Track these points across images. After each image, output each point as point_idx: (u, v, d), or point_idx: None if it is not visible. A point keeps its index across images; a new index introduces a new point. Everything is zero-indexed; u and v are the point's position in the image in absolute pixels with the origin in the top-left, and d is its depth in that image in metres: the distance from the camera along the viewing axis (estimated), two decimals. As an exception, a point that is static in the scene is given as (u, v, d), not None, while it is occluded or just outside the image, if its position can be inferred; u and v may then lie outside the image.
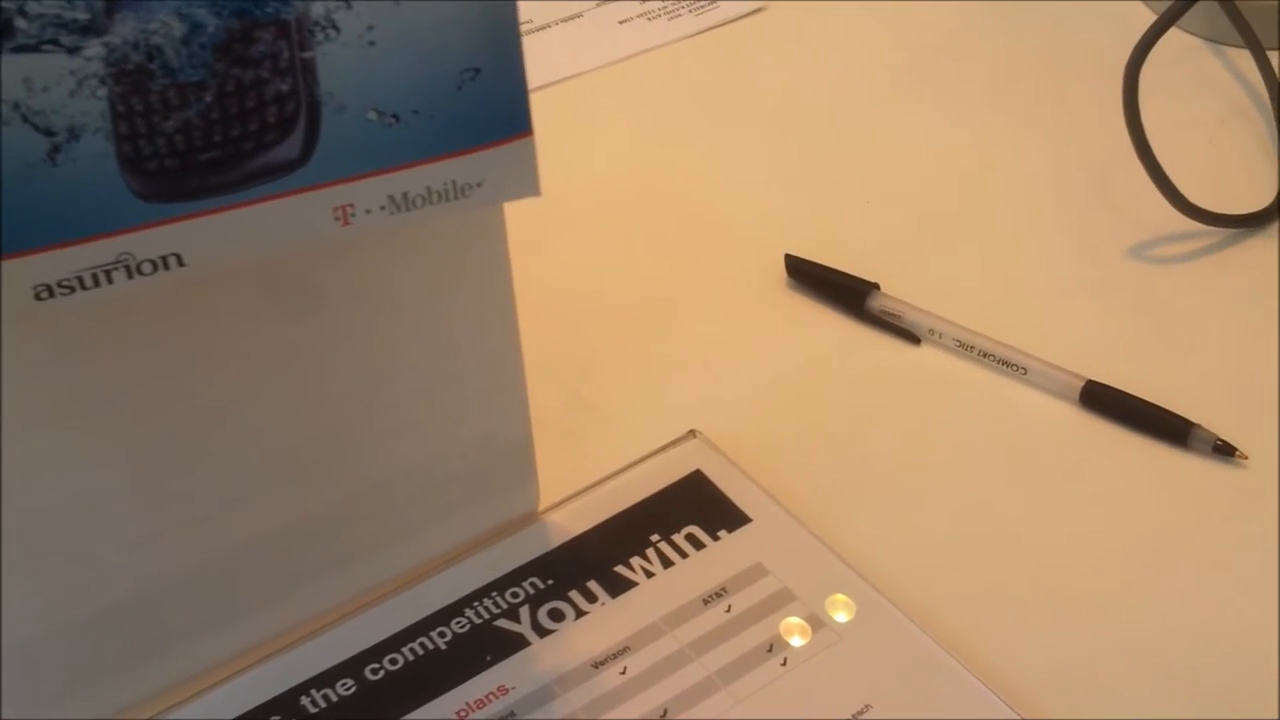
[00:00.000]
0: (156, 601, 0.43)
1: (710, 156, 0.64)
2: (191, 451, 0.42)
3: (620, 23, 0.71)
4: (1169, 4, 0.60)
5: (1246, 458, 0.51)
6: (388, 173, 0.34)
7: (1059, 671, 0.45)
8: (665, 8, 0.71)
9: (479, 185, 0.35)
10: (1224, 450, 0.51)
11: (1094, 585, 0.48)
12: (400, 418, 0.45)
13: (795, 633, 0.46)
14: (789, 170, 0.63)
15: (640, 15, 0.71)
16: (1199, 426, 0.51)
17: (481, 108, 0.34)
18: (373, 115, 0.33)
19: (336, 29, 0.32)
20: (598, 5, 0.72)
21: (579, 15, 0.71)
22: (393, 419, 0.45)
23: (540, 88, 0.68)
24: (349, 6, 0.32)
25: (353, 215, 0.34)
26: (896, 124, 0.65)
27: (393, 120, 0.34)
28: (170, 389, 0.40)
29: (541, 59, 0.69)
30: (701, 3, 0.72)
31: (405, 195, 0.35)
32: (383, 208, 0.34)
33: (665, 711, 0.44)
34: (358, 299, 0.42)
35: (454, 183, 0.35)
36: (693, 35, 0.70)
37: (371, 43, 0.33)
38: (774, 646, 0.45)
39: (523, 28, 0.69)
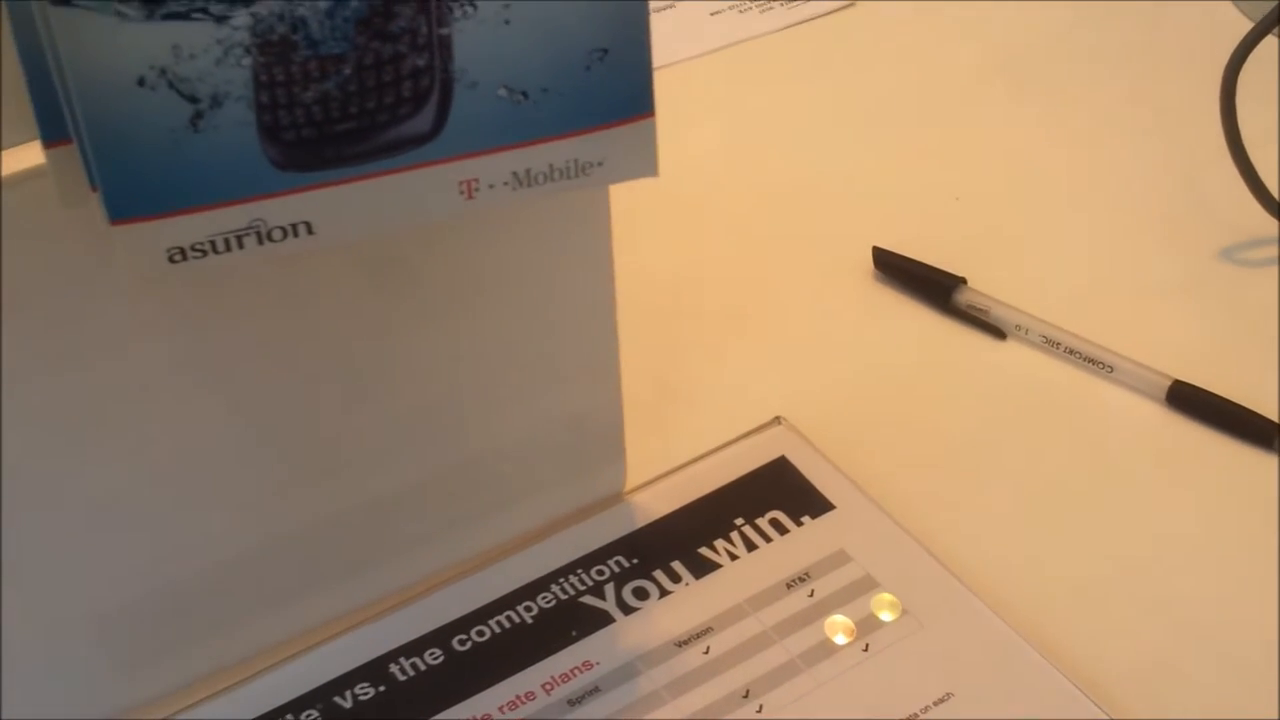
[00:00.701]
0: (255, 565, 0.44)
1: (800, 149, 0.65)
2: (293, 421, 0.43)
3: (712, 14, 0.71)
4: (1260, 3, 0.60)
5: (1332, 464, 0.51)
6: (513, 149, 0.35)
7: (1142, 669, 0.45)
8: (757, 0, 0.72)
9: (599, 164, 0.36)
10: (1310, 456, 0.51)
11: (1177, 584, 0.48)
12: (497, 394, 0.46)
13: (878, 619, 0.46)
14: (878, 164, 0.64)
15: (731, 8, 0.72)
16: (1286, 431, 0.51)
17: (607, 88, 0.35)
18: (503, 92, 0.34)
19: (474, 6, 0.33)
20: (689, -4, 0.72)
21: (671, 6, 0.72)
22: (489, 395, 0.46)
23: (630, 74, 0.68)
24: (485, -15, 0.33)
25: (477, 190, 0.35)
26: (986, 121, 0.66)
27: (522, 98, 0.34)
28: (276, 358, 0.41)
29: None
30: (791, -5, 0.72)
31: (528, 172, 0.35)
32: (506, 183, 0.35)
33: (748, 692, 0.44)
34: (461, 275, 0.43)
35: (576, 161, 0.36)
36: (783, 29, 0.71)
37: (507, 21, 0.33)
38: (856, 631, 0.46)
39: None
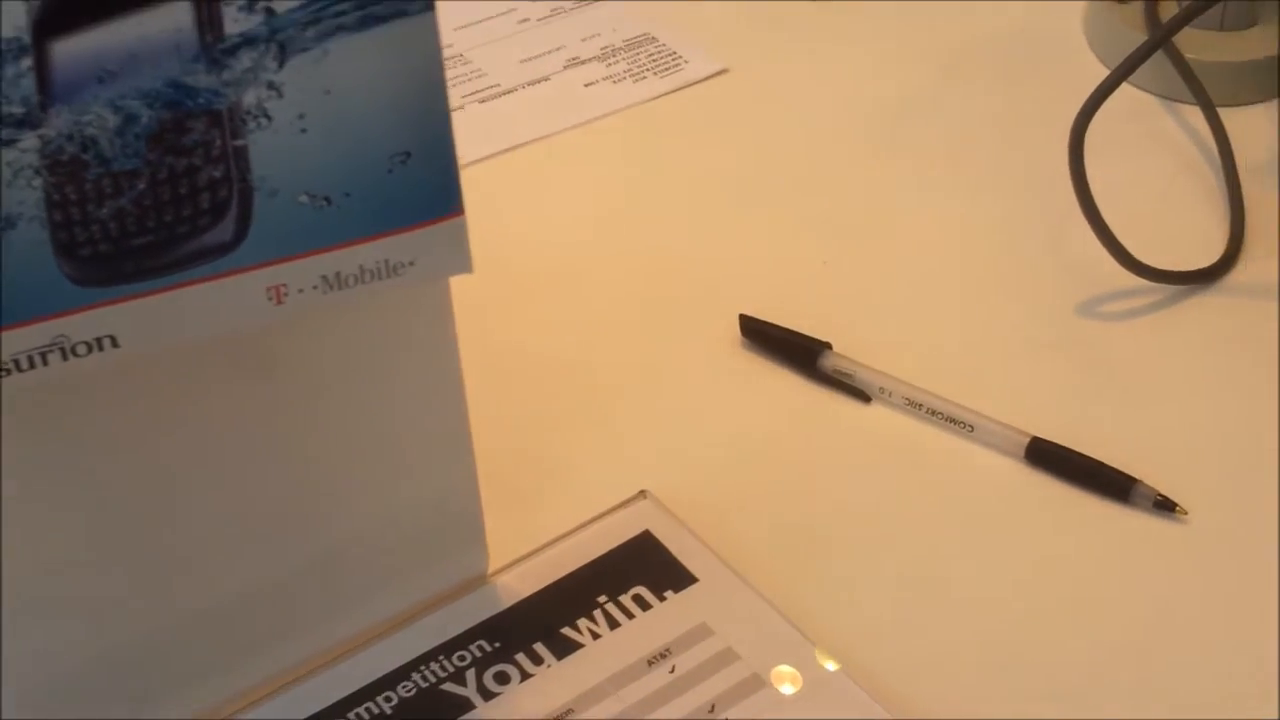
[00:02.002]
0: (104, 670, 0.44)
1: (671, 217, 0.65)
2: (141, 521, 0.42)
3: (586, 85, 0.72)
4: (1116, 51, 0.61)
5: (1187, 513, 0.52)
6: (320, 253, 0.35)
7: (998, 730, 0.46)
8: (631, 70, 0.73)
9: (411, 264, 0.36)
10: (1165, 506, 0.52)
11: (1037, 640, 0.48)
12: (348, 484, 0.46)
13: (739, 693, 0.46)
14: (748, 231, 0.64)
15: (606, 78, 0.72)
16: (1140, 483, 0.52)
17: (413, 189, 0.35)
18: (304, 198, 0.34)
19: (268, 117, 0.33)
20: (564, 69, 0.73)
21: (545, 79, 0.72)
22: (340, 486, 0.46)
23: (506, 150, 0.69)
24: (280, 96, 0.33)
25: (286, 295, 0.35)
26: (854, 185, 0.66)
27: (325, 203, 0.35)
28: (124, 460, 0.41)
29: (508, 122, 0.70)
30: (666, 66, 0.73)
31: (338, 275, 0.36)
32: (315, 287, 0.35)
33: (608, 772, 0.44)
34: (302, 368, 0.43)
35: (386, 262, 0.36)
36: (657, 97, 0.72)
37: (303, 130, 0.34)
38: (715, 707, 0.46)
39: (490, 91, 0.71)
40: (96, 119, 0.32)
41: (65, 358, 0.34)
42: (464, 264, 0.37)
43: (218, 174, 0.33)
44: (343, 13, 0.33)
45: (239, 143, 0.33)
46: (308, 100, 0.33)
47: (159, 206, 0.33)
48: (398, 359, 0.45)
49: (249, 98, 0.33)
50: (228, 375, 0.41)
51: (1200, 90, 0.67)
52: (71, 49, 0.31)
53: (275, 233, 0.34)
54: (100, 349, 0.34)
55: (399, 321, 0.44)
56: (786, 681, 0.46)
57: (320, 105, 0.34)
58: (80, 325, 0.33)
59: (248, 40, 0.32)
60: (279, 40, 0.32)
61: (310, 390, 0.43)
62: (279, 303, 0.35)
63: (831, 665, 0.47)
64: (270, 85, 0.33)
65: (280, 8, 0.32)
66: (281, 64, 0.33)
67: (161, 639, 0.44)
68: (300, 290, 0.35)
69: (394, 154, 0.35)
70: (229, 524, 0.44)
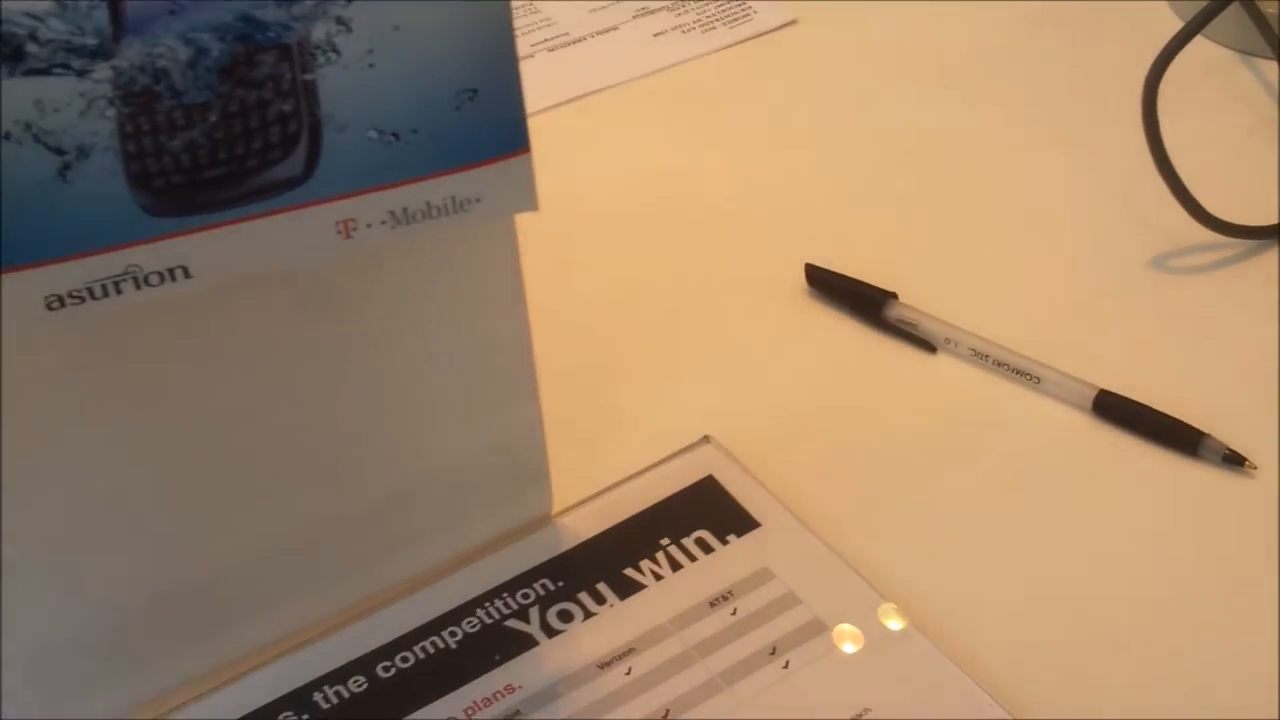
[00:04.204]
0: (179, 595, 0.45)
1: (740, 167, 0.65)
2: (211, 454, 0.43)
3: (655, 35, 0.72)
4: (1193, 3, 0.61)
5: (1256, 468, 0.51)
6: (388, 189, 0.35)
7: (1069, 681, 0.46)
8: (700, 20, 0.72)
9: (478, 200, 0.37)
10: (1234, 460, 0.51)
11: (1103, 594, 0.48)
12: (416, 424, 0.46)
13: (799, 636, 0.46)
14: (817, 180, 0.64)
15: (675, 28, 0.72)
16: (1209, 436, 0.52)
17: (479, 126, 0.36)
18: (373, 134, 0.35)
19: (337, 52, 0.34)
20: (634, 19, 0.73)
21: (615, 28, 0.72)
22: (408, 425, 0.46)
23: (575, 99, 0.69)
24: (349, 31, 0.34)
25: (354, 230, 0.36)
26: (925, 133, 0.66)
27: (393, 139, 0.35)
28: (190, 391, 0.42)
29: (578, 70, 0.70)
30: (735, 16, 0.73)
31: (405, 210, 0.36)
32: (383, 222, 0.36)
33: (668, 712, 0.45)
34: (369, 307, 0.43)
35: (453, 198, 0.36)
36: (727, 47, 0.71)
37: (371, 65, 0.34)
38: (777, 649, 0.46)
39: (559, 40, 0.71)
40: (168, 51, 0.32)
41: (139, 287, 0.34)
42: (530, 201, 0.37)
43: (287, 108, 0.34)
44: (412, -52, 0.33)
45: (308, 77, 0.34)
46: (376, 36, 0.34)
47: (230, 139, 0.34)
48: (464, 299, 0.45)
49: (318, 32, 0.33)
50: (296, 313, 0.42)
51: (1277, 44, 0.66)
52: (145, -19, 0.32)
53: (344, 168, 0.35)
54: (173, 279, 0.34)
55: (466, 260, 0.44)
56: (848, 637, 0.47)
57: (389, 41, 0.34)
58: (153, 255, 0.34)
59: (318, -26, 0.33)
60: (349, -26, 0.33)
61: (378, 329, 0.44)
62: (347, 237, 0.36)
63: (896, 618, 0.47)
64: (339, 20, 0.33)
65: (350, -58, 0.33)
66: (351, -1, 0.33)
67: (236, 569, 0.45)
68: (369, 225, 0.36)
69: (461, 91, 0.35)
70: (298, 460, 0.45)
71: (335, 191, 0.35)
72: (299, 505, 0.46)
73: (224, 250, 0.35)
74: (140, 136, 0.33)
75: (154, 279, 0.34)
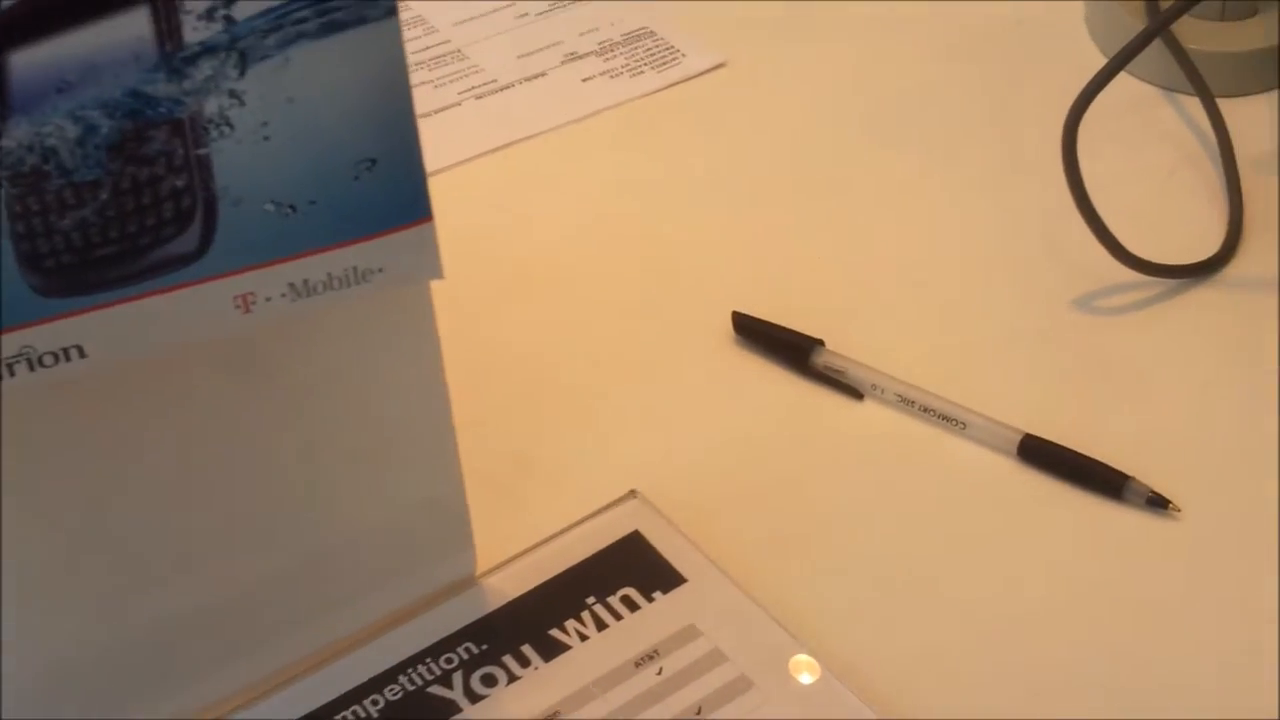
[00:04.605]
0: (83, 667, 0.44)
1: (667, 213, 0.65)
2: (123, 520, 0.43)
3: (584, 80, 0.72)
4: (1116, 36, 0.61)
5: (1180, 510, 0.51)
6: (287, 261, 0.35)
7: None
8: (628, 65, 0.72)
9: (380, 271, 0.36)
10: (1158, 503, 0.51)
11: (1029, 640, 0.48)
12: (333, 487, 0.46)
13: (725, 695, 0.46)
14: (744, 227, 0.64)
15: (603, 73, 0.72)
16: (1133, 479, 0.52)
17: (379, 196, 0.35)
18: (270, 206, 0.34)
19: (230, 126, 0.33)
20: (562, 64, 0.73)
21: (543, 74, 0.72)
22: (325, 488, 0.46)
23: (503, 146, 0.69)
24: (242, 104, 0.33)
25: (254, 303, 0.35)
26: (850, 180, 0.66)
27: (290, 211, 0.35)
28: (104, 457, 0.41)
29: (506, 118, 0.70)
30: (664, 60, 0.72)
31: (306, 282, 0.35)
32: (283, 295, 0.35)
33: (593, 775, 0.44)
34: (283, 371, 0.43)
35: (355, 269, 0.36)
36: (656, 91, 0.71)
37: (266, 138, 0.34)
38: (702, 709, 0.46)
39: (487, 87, 0.71)
40: (56, 130, 0.32)
41: (32, 369, 0.34)
42: (433, 269, 0.37)
43: (181, 183, 0.33)
44: (304, 20, 0.33)
45: (201, 151, 0.33)
46: (270, 108, 0.33)
47: (122, 217, 0.33)
48: (379, 361, 0.45)
49: (210, 106, 0.33)
50: (211, 377, 0.41)
51: (1200, 81, 0.66)
52: (30, 60, 0.31)
53: (241, 241, 0.34)
54: (68, 359, 0.34)
55: (379, 324, 0.44)
56: (774, 683, 0.46)
57: (283, 113, 0.33)
58: (47, 336, 0.33)
59: (208, 49, 0.32)
60: (240, 48, 0.32)
61: (293, 393, 0.43)
62: (247, 311, 0.35)
63: (818, 667, 0.46)
64: (232, 93, 0.33)
65: (240, 15, 0.32)
66: (243, 72, 0.33)
67: (147, 642, 0.45)
68: (268, 298, 0.35)
69: (359, 161, 0.35)
70: (212, 527, 0.44)
71: (232, 266, 0.35)
72: (214, 573, 0.45)
73: (120, 329, 0.34)
74: (29, 216, 0.32)
75: (48, 359, 0.34)
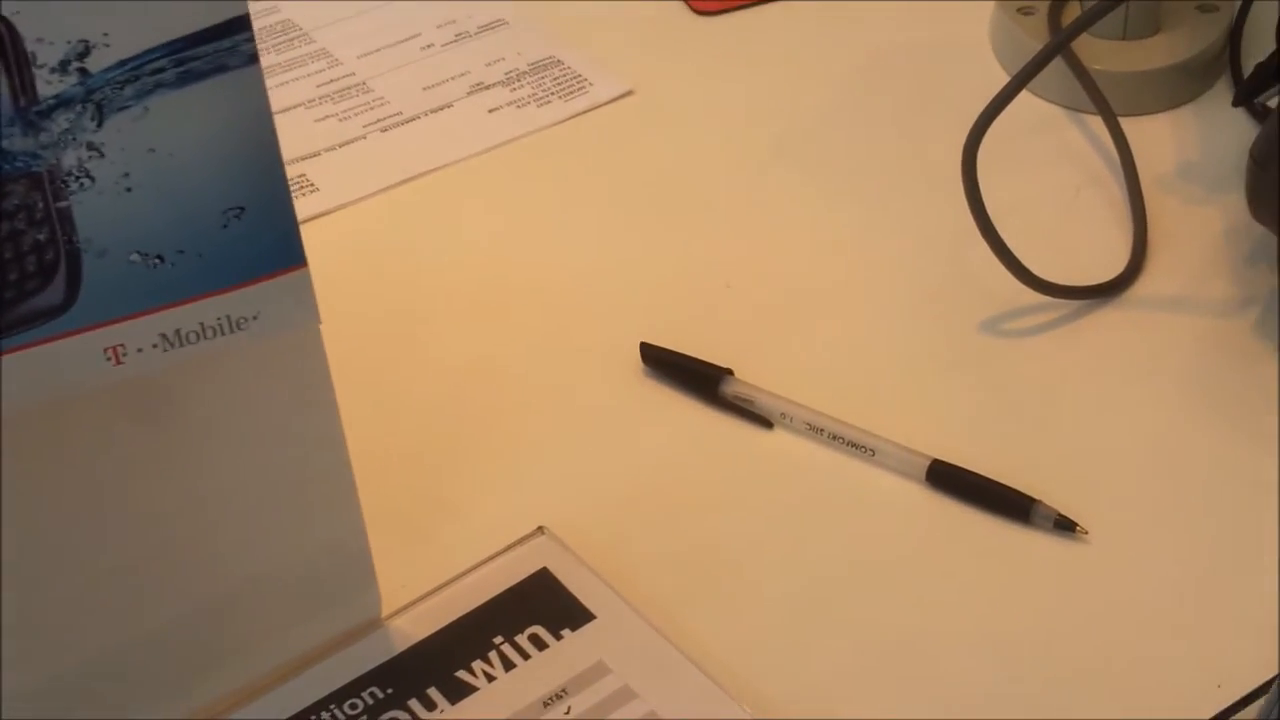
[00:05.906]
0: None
1: (575, 243, 0.65)
2: (12, 574, 0.42)
3: (490, 111, 0.71)
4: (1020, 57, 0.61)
5: (1087, 533, 0.51)
6: (157, 312, 0.35)
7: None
8: (535, 95, 0.72)
9: (255, 318, 0.36)
10: (1065, 526, 0.51)
11: (942, 665, 0.48)
12: (231, 531, 0.45)
13: (634, 732, 0.46)
14: (653, 256, 0.64)
15: (510, 103, 0.72)
16: (1040, 503, 0.52)
17: (249, 244, 0.35)
18: (136, 257, 0.34)
19: (91, 178, 0.33)
20: (468, 95, 0.72)
21: (449, 105, 0.72)
22: (223, 533, 0.45)
23: (408, 180, 0.68)
24: (102, 156, 0.33)
25: (124, 355, 0.35)
26: (758, 205, 0.66)
27: (158, 261, 0.34)
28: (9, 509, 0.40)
29: (411, 150, 0.69)
30: (571, 89, 0.72)
31: (178, 332, 0.35)
32: (155, 345, 0.35)
33: (499, 820, 0.44)
34: (177, 415, 0.42)
35: (228, 317, 0.35)
36: (563, 121, 0.71)
37: (129, 189, 0.33)
38: (608, 748, 0.45)
39: (392, 120, 0.70)
40: (-90, 186, 0.31)
41: (-105, 427, 0.33)
42: (310, 315, 0.36)
43: (42, 237, 0.33)
44: (161, 70, 0.32)
45: (62, 204, 0.33)
46: (131, 159, 0.33)
47: (-17, 272, 0.32)
48: (271, 406, 0.44)
49: (69, 159, 0.32)
50: (104, 424, 0.40)
51: (1103, 100, 0.67)
52: (-121, 117, 0.31)
53: (108, 293, 0.34)
54: (-69, 416, 0.33)
55: (269, 369, 0.43)
56: (683, 712, 0.46)
57: (145, 163, 0.33)
58: (-91, 394, 0.33)
59: (63, 102, 0.32)
60: (96, 100, 0.32)
61: (184, 439, 0.43)
62: (118, 363, 0.35)
63: (725, 697, 0.46)
64: (90, 146, 0.32)
65: (95, 67, 0.32)
66: (100, 124, 0.32)
67: (44, 690, 0.44)
68: (139, 349, 0.35)
69: (227, 209, 0.34)
70: (107, 574, 0.43)
71: (101, 318, 0.34)
72: (110, 621, 0.44)
73: (-14, 385, 0.33)
74: (-115, 275, 0.32)
75: (-88, 418, 0.33)
